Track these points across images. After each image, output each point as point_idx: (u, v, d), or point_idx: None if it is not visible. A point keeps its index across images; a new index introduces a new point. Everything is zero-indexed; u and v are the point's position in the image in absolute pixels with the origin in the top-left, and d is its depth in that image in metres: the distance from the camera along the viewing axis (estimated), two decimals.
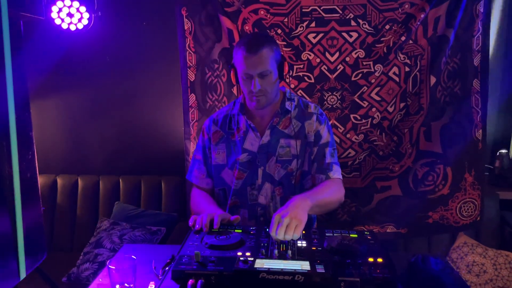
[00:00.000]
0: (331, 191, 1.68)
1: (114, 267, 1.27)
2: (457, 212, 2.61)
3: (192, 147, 2.60)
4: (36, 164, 1.17)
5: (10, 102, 1.04)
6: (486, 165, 2.70)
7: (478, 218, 2.62)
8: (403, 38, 2.41)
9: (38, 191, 1.19)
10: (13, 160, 1.02)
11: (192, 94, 2.55)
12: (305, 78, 2.49)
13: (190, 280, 1.19)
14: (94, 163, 3.16)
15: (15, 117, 1.04)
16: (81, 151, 3.17)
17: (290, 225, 1.36)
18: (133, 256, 1.31)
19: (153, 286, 1.40)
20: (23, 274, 1.12)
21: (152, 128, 3.08)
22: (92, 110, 3.10)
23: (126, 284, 1.27)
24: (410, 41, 2.43)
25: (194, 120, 2.59)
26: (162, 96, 3.00)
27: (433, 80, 2.45)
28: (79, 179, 3.04)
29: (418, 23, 2.39)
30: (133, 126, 3.10)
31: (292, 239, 1.37)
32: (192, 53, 2.51)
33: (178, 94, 2.62)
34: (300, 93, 2.50)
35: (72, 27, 2.45)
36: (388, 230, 2.60)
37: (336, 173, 1.76)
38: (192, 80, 2.54)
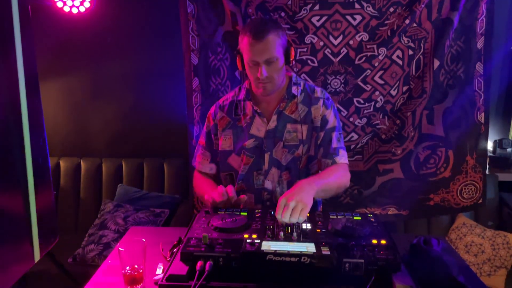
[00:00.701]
0: (337, 176, 1.69)
1: (123, 250, 1.29)
2: (458, 194, 2.64)
3: (195, 131, 2.60)
4: (47, 149, 1.19)
5: (22, 89, 1.05)
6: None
7: (480, 201, 2.65)
8: (407, 21, 2.39)
9: (50, 176, 1.21)
10: (25, 145, 1.04)
11: (196, 78, 2.54)
12: (309, 61, 2.47)
13: (199, 261, 1.22)
14: (97, 145, 3.17)
15: (26, 104, 1.05)
16: (83, 134, 3.17)
17: (296, 208, 1.38)
18: (143, 239, 1.34)
19: (162, 267, 1.43)
20: (37, 257, 1.15)
21: (155, 111, 3.08)
22: (94, 92, 3.10)
23: (136, 266, 1.30)
24: (414, 24, 2.41)
25: (198, 104, 2.58)
26: (165, 79, 3.00)
27: (436, 63, 2.44)
28: (81, 162, 3.06)
29: (423, 5, 2.37)
30: (136, 109, 3.10)
31: (297, 222, 1.40)
32: (195, 37, 2.48)
33: (181, 78, 2.61)
34: (303, 76, 2.49)
35: (74, 10, 2.43)
36: (389, 212, 2.63)
37: (343, 158, 1.76)
38: (195, 64, 2.52)
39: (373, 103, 2.52)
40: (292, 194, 1.43)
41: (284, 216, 1.37)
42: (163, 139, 3.10)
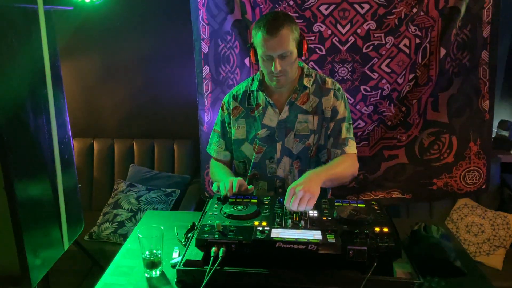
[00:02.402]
0: (345, 166, 1.75)
1: (142, 236, 1.38)
2: (461, 180, 2.68)
3: (206, 117, 2.65)
4: (72, 145, 1.26)
5: (49, 86, 1.12)
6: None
7: (484, 186, 2.69)
8: (414, 10, 2.39)
9: (75, 169, 1.29)
10: (54, 144, 1.11)
11: (206, 66, 2.57)
12: (317, 50, 2.49)
13: (213, 248, 1.30)
14: (109, 126, 3.25)
15: (54, 105, 1.12)
16: (95, 115, 3.24)
17: (303, 197, 1.45)
18: (161, 227, 1.43)
19: (178, 251, 1.53)
20: (66, 245, 1.23)
21: (166, 94, 3.13)
22: (106, 75, 3.15)
23: (154, 251, 1.39)
24: (422, 13, 2.40)
25: (208, 92, 2.62)
26: (176, 64, 3.03)
27: (442, 51, 2.45)
28: (94, 142, 3.14)
29: None
30: (146, 91, 3.15)
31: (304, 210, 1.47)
32: (205, 25, 2.50)
33: (191, 63, 2.65)
34: (311, 65, 2.51)
35: None
36: (393, 196, 2.69)
37: (352, 148, 1.80)
38: (205, 52, 2.55)
39: (379, 91, 2.54)
40: (300, 184, 1.50)
41: (293, 205, 1.45)
42: (173, 121, 3.16)
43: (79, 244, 2.50)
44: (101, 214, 2.77)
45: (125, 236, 2.58)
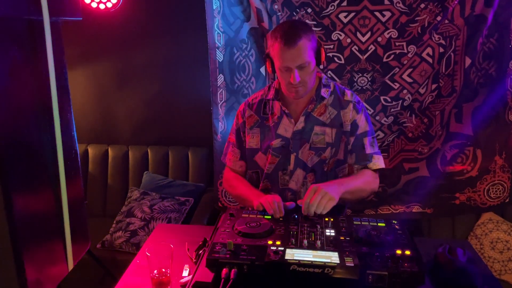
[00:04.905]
0: (366, 180, 1.70)
1: (151, 255, 1.33)
2: (485, 194, 2.59)
3: (220, 127, 2.62)
4: (79, 160, 1.22)
5: (53, 92, 1.07)
6: None
7: (507, 200, 2.60)
8: (439, 18, 2.32)
9: (81, 185, 1.24)
10: (59, 160, 1.07)
11: (221, 74, 2.54)
12: (335, 58, 2.43)
13: (224, 269, 1.24)
14: (123, 133, 3.24)
15: (59, 119, 1.08)
16: (110, 122, 3.25)
17: (324, 197, 1.46)
18: (171, 245, 1.37)
19: (188, 269, 1.47)
20: (71, 264, 1.19)
21: (180, 101, 3.12)
22: (121, 82, 3.15)
23: (163, 270, 1.34)
24: (446, 21, 2.33)
25: (222, 101, 2.58)
26: (190, 71, 3.02)
27: (468, 61, 2.37)
28: (109, 149, 3.14)
29: (456, 1, 2.29)
30: (161, 98, 3.14)
31: (320, 213, 1.47)
32: (221, 33, 2.47)
33: (206, 70, 2.63)
34: (329, 74, 2.46)
35: (102, 6, 2.46)
36: (413, 210, 2.62)
37: (376, 164, 1.75)
38: (220, 61, 2.52)
39: (400, 101, 2.47)
40: (323, 185, 1.51)
41: (313, 202, 1.46)
42: (188, 128, 3.15)
43: (91, 252, 2.48)
44: (114, 222, 2.75)
45: (137, 246, 2.55)
